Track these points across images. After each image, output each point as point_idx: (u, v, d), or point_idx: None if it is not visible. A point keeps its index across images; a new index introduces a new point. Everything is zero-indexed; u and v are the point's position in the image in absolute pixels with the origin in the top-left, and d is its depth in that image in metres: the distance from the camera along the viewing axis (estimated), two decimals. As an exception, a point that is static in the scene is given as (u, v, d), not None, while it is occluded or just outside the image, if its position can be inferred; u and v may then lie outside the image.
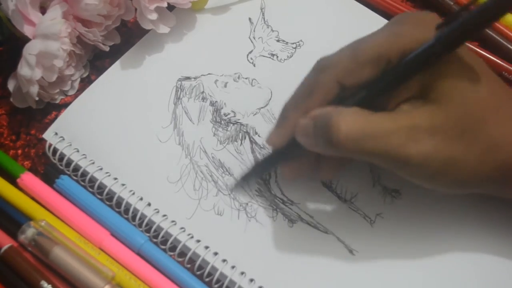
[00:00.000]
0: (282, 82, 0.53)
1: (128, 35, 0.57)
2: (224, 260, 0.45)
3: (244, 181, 0.48)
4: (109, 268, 0.44)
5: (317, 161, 0.45)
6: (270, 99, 0.52)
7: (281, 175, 0.47)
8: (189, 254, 0.45)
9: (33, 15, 0.49)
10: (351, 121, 0.38)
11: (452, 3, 0.58)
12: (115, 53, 0.54)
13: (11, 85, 0.51)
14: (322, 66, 0.42)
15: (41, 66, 0.48)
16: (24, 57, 0.48)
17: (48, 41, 0.48)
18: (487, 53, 0.56)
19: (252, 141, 0.50)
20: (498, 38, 0.57)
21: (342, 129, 0.38)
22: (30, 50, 0.47)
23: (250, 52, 0.55)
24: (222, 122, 0.51)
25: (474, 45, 0.56)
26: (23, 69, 0.48)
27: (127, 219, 0.47)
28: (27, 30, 0.49)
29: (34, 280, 0.43)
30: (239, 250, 0.45)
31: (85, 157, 0.49)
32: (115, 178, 0.48)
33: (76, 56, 0.53)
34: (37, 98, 0.49)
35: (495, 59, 0.56)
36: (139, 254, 0.45)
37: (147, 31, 0.55)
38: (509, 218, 0.46)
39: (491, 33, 0.57)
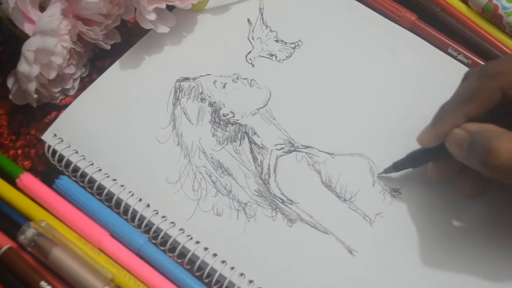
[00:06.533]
0: (281, 82, 0.53)
1: (128, 35, 0.57)
2: (223, 261, 0.45)
3: (395, 169, 0.48)
4: (109, 269, 0.44)
5: (463, 171, 0.45)
6: (269, 99, 0.52)
7: (428, 173, 0.47)
8: (188, 256, 0.45)
9: (32, 14, 0.49)
10: (511, 149, 0.38)
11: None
12: (115, 53, 0.54)
13: (10, 83, 0.51)
14: (489, 72, 0.42)
15: (39, 62, 0.48)
16: (23, 53, 0.48)
17: (45, 37, 0.48)
18: (432, 29, 0.57)
19: (251, 141, 0.50)
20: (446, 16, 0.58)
21: (502, 156, 0.38)
22: (29, 46, 0.47)
23: (249, 52, 0.55)
24: (221, 122, 0.51)
25: (415, 17, 0.57)
26: (22, 66, 0.48)
27: (126, 219, 0.47)
28: (27, 28, 0.49)
29: (34, 281, 0.43)
30: (239, 251, 0.45)
31: (84, 158, 0.49)
32: (114, 179, 0.48)
33: (77, 54, 0.53)
34: (35, 96, 0.49)
35: (442, 37, 0.56)
36: (138, 254, 0.45)
37: (147, 31, 0.55)
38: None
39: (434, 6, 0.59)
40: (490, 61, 0.43)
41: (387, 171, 0.48)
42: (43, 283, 0.43)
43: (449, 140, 0.42)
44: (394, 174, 0.48)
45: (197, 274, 0.45)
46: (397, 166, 0.47)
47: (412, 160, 0.47)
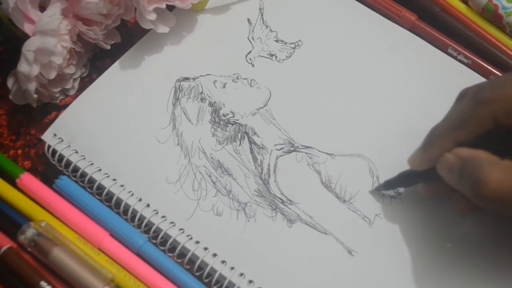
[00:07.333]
0: (281, 82, 0.53)
1: (128, 35, 0.57)
2: (223, 261, 0.45)
3: (386, 188, 0.48)
4: (109, 269, 0.44)
5: (454, 191, 0.44)
6: (269, 99, 0.52)
7: (419, 192, 0.47)
8: (188, 255, 0.45)
9: (32, 13, 0.49)
10: (501, 179, 0.38)
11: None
12: (115, 53, 0.54)
13: (10, 83, 0.51)
14: (482, 99, 0.41)
15: (39, 62, 0.48)
16: (23, 53, 0.48)
17: (45, 37, 0.48)
18: (432, 29, 0.57)
19: (251, 141, 0.50)
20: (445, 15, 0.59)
21: (491, 186, 0.38)
22: (29, 46, 0.47)
23: (249, 52, 0.55)
24: (221, 122, 0.51)
25: (414, 17, 0.57)
26: (22, 66, 0.48)
27: (126, 219, 0.47)
28: (27, 28, 0.49)
29: (33, 281, 0.43)
30: (239, 251, 0.45)
31: (84, 158, 0.49)
32: (114, 179, 0.48)
33: (77, 54, 0.53)
34: (35, 96, 0.49)
35: (442, 37, 0.56)
36: (138, 254, 0.46)
37: (147, 31, 0.55)
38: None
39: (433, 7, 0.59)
40: (483, 87, 0.42)
41: (378, 188, 0.48)
42: (43, 283, 0.43)
43: (440, 164, 0.42)
44: (386, 192, 0.48)
45: (197, 274, 0.45)
46: (388, 185, 0.47)
47: (403, 180, 0.47)
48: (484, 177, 0.38)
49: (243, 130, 0.51)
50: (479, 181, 0.38)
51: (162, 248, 0.46)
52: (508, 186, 0.38)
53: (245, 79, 0.53)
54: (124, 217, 0.47)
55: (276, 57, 0.54)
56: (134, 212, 0.47)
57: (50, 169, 0.50)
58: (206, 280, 0.45)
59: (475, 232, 0.46)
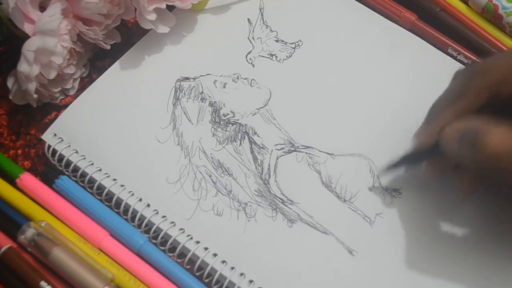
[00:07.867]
0: (281, 82, 0.53)
1: (128, 35, 0.57)
2: (223, 261, 0.45)
3: (391, 169, 0.48)
4: (109, 269, 0.44)
5: (457, 168, 0.44)
6: (269, 99, 0.52)
7: (423, 171, 0.47)
8: (188, 256, 0.45)
9: (32, 13, 0.49)
10: (500, 140, 0.37)
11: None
12: (115, 53, 0.54)
13: (10, 82, 0.51)
14: (476, 70, 0.42)
15: (39, 62, 0.48)
16: (23, 53, 0.48)
17: (45, 37, 0.48)
18: (432, 29, 0.57)
19: (251, 141, 0.50)
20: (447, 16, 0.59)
21: (490, 148, 0.37)
22: (29, 46, 0.48)
23: (249, 52, 0.55)
24: (221, 122, 0.51)
25: (414, 17, 0.57)
26: (22, 66, 0.48)
27: (126, 219, 0.47)
28: (27, 28, 0.49)
29: (33, 281, 0.43)
30: (239, 251, 0.45)
31: (84, 158, 0.49)
32: (114, 179, 0.48)
33: (77, 54, 0.53)
34: (35, 96, 0.49)
35: (442, 37, 0.57)
36: (138, 254, 0.45)
37: (147, 31, 0.55)
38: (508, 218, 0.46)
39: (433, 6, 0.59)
40: (478, 61, 0.43)
41: (381, 173, 0.48)
42: (43, 283, 0.43)
43: (442, 138, 0.42)
44: (394, 174, 0.48)
45: (197, 274, 0.45)
46: (392, 166, 0.47)
47: (408, 158, 0.47)
48: (482, 139, 0.38)
49: (243, 130, 0.50)
50: (478, 144, 0.38)
51: (162, 248, 0.46)
52: (507, 148, 0.37)
53: (245, 79, 0.53)
54: (124, 217, 0.47)
55: (276, 57, 0.54)
56: (134, 212, 0.47)
57: (50, 169, 0.50)
58: (206, 280, 0.45)
59: (477, 230, 0.46)
